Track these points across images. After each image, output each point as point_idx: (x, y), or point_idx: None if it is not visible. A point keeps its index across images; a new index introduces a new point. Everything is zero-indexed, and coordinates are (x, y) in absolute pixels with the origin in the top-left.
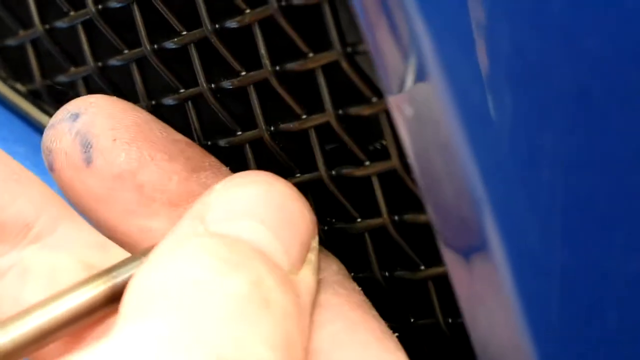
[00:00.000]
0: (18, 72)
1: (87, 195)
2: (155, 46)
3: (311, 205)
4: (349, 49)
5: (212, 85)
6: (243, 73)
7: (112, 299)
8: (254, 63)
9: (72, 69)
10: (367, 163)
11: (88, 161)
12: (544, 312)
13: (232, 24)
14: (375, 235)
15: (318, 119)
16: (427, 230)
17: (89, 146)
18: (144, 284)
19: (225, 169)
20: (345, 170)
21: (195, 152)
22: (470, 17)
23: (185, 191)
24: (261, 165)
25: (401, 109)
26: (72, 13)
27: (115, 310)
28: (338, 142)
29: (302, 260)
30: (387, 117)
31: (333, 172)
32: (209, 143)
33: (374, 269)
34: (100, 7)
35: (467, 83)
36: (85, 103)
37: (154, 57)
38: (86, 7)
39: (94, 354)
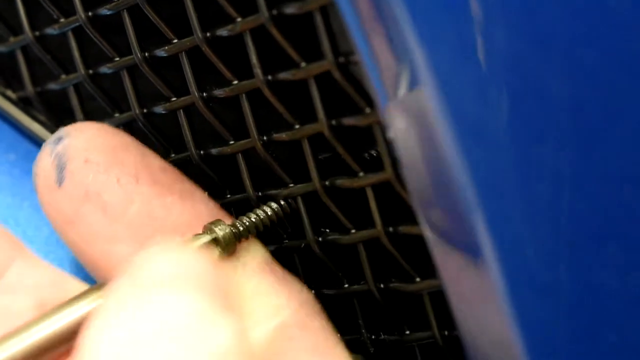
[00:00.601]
0: (8, 79)
1: (59, 216)
2: (146, 54)
3: (305, 215)
4: (342, 59)
5: (204, 94)
6: (235, 82)
7: (65, 338)
8: (246, 72)
9: (63, 76)
10: (361, 174)
11: (60, 182)
12: (540, 329)
13: (223, 32)
14: (369, 247)
15: (311, 129)
16: (422, 241)
17: (63, 167)
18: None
19: (199, 195)
20: (339, 182)
21: (168, 177)
22: (464, 27)
23: (147, 215)
24: (254, 175)
25: (393, 121)
26: (62, 20)
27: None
28: (332, 150)
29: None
30: (380, 128)
31: (327, 183)
32: (201, 152)
33: (368, 280)
34: (90, 14)
35: (461, 94)
36: (72, 128)
37: (144, 65)
38: (76, 14)
39: None
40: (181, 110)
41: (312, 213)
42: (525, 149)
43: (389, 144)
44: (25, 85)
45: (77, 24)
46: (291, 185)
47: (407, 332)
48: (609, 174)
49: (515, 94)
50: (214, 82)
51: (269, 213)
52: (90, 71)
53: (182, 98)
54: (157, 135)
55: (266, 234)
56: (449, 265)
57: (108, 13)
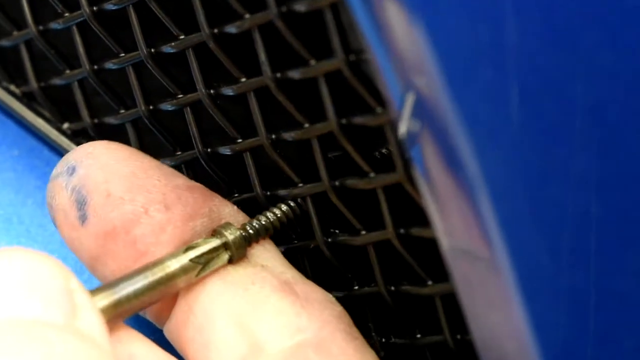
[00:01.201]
0: (12, 74)
1: (85, 253)
2: (153, 50)
3: (314, 215)
4: (353, 57)
5: (211, 91)
6: (243, 79)
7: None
8: (254, 69)
9: (67, 72)
10: (372, 175)
11: (83, 219)
12: (556, 334)
13: (231, 29)
14: (380, 248)
15: (320, 129)
16: (433, 244)
17: (84, 203)
18: None
19: (228, 210)
20: (349, 182)
21: (196, 197)
22: (478, 26)
23: (179, 241)
24: (262, 174)
25: (406, 124)
26: (66, 14)
27: None
28: (342, 148)
29: (73, 306)
30: (392, 128)
31: (336, 183)
32: (208, 150)
33: (379, 283)
34: (95, 8)
35: (475, 98)
36: (83, 154)
37: (150, 61)
38: (81, 8)
39: None
40: (188, 108)
41: (321, 213)
42: (541, 152)
43: (400, 145)
44: (29, 80)
45: (82, 18)
46: (300, 185)
47: (419, 336)
48: (629, 178)
49: (531, 96)
50: (221, 79)
51: (279, 215)
52: (95, 66)
53: (189, 95)
54: (163, 133)
55: (275, 235)
56: (463, 270)
57: (113, 8)
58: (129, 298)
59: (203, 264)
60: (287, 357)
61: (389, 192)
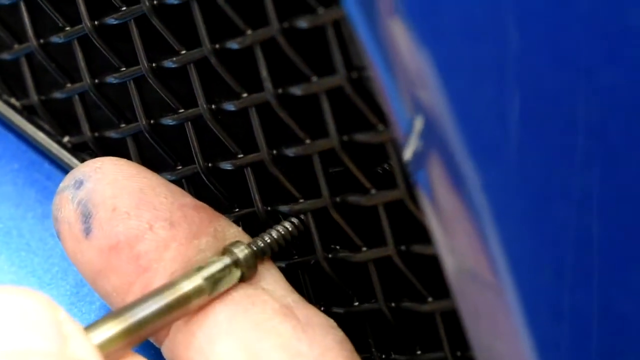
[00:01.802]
0: (13, 87)
1: (87, 267)
2: (154, 64)
3: (314, 231)
4: (355, 74)
5: (213, 106)
6: (244, 95)
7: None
8: (255, 84)
9: (68, 85)
10: (374, 191)
11: (87, 232)
12: (557, 354)
13: (232, 44)
14: (381, 265)
15: (322, 145)
16: (434, 261)
17: (89, 216)
18: None
19: (233, 231)
20: (351, 199)
21: (202, 216)
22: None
23: (183, 259)
24: (262, 189)
25: (412, 147)
26: (67, 28)
27: None
28: (343, 164)
29: (63, 336)
30: (394, 146)
31: (337, 199)
32: (210, 165)
33: (379, 299)
34: (96, 22)
35: (480, 119)
36: (91, 169)
37: (151, 76)
38: (82, 22)
39: None
40: (189, 122)
41: (322, 229)
42: (544, 172)
43: (402, 163)
44: (29, 94)
45: (83, 32)
46: (301, 200)
47: (419, 352)
48: (631, 198)
49: (534, 117)
50: (222, 94)
51: (284, 233)
52: (96, 80)
53: (190, 110)
54: (164, 147)
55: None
56: (466, 290)
57: (114, 22)
58: (141, 323)
59: (215, 284)
60: None
61: (390, 208)
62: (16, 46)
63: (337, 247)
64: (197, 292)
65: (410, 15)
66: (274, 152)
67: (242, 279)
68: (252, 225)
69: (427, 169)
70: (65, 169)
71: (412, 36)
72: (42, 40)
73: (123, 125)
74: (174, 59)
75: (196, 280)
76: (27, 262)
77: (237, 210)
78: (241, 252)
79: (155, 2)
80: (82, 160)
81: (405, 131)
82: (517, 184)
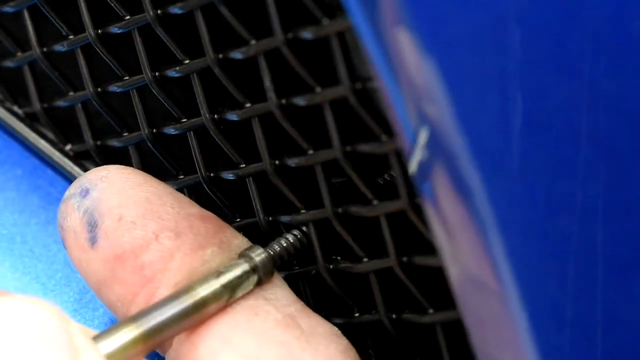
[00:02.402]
0: (15, 95)
1: (92, 276)
2: (157, 74)
3: (316, 242)
4: (359, 85)
5: (215, 116)
6: (247, 105)
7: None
8: (259, 94)
9: (71, 94)
10: (376, 202)
11: (93, 241)
12: None
13: (236, 54)
14: (382, 276)
15: (325, 155)
16: (436, 272)
17: (95, 225)
18: None
19: (238, 242)
20: (353, 210)
21: (208, 226)
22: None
23: (187, 269)
24: (264, 199)
25: (418, 159)
26: (71, 37)
27: None
28: (345, 174)
29: (74, 347)
30: (397, 157)
31: (339, 210)
32: (212, 175)
33: (380, 310)
34: (100, 31)
35: (486, 130)
36: (97, 177)
37: (155, 85)
38: (85, 31)
39: None
40: (191, 132)
41: (323, 239)
42: (548, 182)
43: (405, 174)
44: (32, 101)
45: (87, 41)
46: (303, 211)
47: None
48: (635, 207)
49: (538, 128)
50: (225, 104)
51: (292, 241)
52: (99, 89)
53: (193, 119)
54: (166, 156)
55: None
56: (470, 298)
57: (118, 31)
58: (158, 329)
59: (233, 289)
60: None
61: (391, 219)
62: (19, 54)
63: (338, 257)
64: (214, 296)
65: (416, 26)
66: (276, 162)
67: (259, 284)
68: (254, 235)
69: (432, 179)
70: (67, 177)
71: (418, 47)
72: (45, 49)
73: (125, 134)
74: (177, 68)
75: (214, 285)
76: (30, 269)
77: (239, 220)
78: (258, 257)
79: (159, 11)
80: (85, 169)
81: (411, 142)
82: (522, 193)
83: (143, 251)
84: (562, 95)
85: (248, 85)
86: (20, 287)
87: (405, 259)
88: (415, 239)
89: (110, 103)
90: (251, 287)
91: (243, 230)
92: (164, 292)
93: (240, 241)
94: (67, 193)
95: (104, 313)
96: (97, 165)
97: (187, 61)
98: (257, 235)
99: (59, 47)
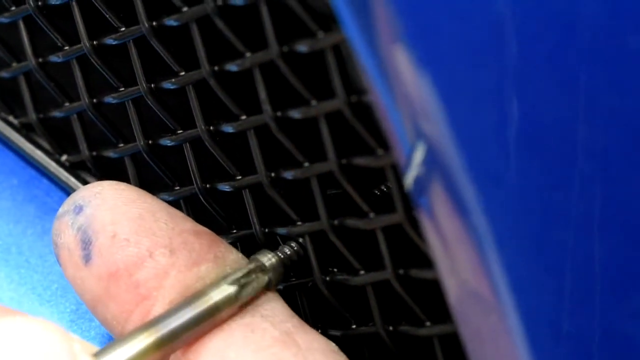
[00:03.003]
0: (11, 105)
1: (87, 294)
2: (153, 85)
3: (312, 254)
4: (354, 98)
5: (211, 128)
6: (243, 117)
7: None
8: (254, 107)
9: (67, 104)
10: (372, 215)
11: (87, 259)
12: None
13: (231, 67)
14: (379, 288)
15: (320, 168)
16: (433, 285)
17: (89, 243)
18: None
19: (233, 257)
20: (349, 222)
21: (202, 242)
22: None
23: (182, 286)
24: (261, 211)
25: (414, 174)
26: (66, 48)
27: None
28: (342, 186)
29: None
30: (392, 170)
31: (335, 222)
32: (208, 186)
33: (376, 323)
34: (95, 42)
35: (482, 144)
36: (90, 193)
37: (150, 96)
38: (81, 42)
39: None
40: (187, 143)
41: (320, 251)
42: (544, 197)
43: (401, 187)
44: (27, 112)
45: (82, 52)
46: (299, 223)
47: None
48: (632, 220)
49: (534, 141)
50: (221, 116)
51: (296, 248)
52: (95, 100)
53: (189, 131)
54: (162, 167)
55: None
56: (467, 312)
57: (114, 43)
58: (172, 336)
59: (242, 292)
60: None
61: (388, 231)
62: (14, 64)
63: (335, 269)
64: (227, 301)
65: (412, 42)
66: (272, 174)
67: (268, 287)
68: (250, 247)
69: (428, 193)
70: (63, 188)
71: (414, 63)
72: (40, 59)
73: (121, 145)
74: (173, 80)
75: (226, 290)
76: (26, 279)
77: (235, 231)
78: (269, 261)
79: (154, 23)
80: (80, 179)
81: (407, 157)
82: (519, 207)
83: (137, 269)
84: (558, 109)
85: (244, 97)
86: (17, 298)
87: (402, 271)
88: (412, 250)
89: (105, 114)
90: (262, 288)
91: (239, 241)
92: (159, 309)
93: (235, 256)
94: (60, 210)
95: (100, 324)
96: (93, 175)
97: (182, 73)
98: (253, 248)
99: (54, 58)
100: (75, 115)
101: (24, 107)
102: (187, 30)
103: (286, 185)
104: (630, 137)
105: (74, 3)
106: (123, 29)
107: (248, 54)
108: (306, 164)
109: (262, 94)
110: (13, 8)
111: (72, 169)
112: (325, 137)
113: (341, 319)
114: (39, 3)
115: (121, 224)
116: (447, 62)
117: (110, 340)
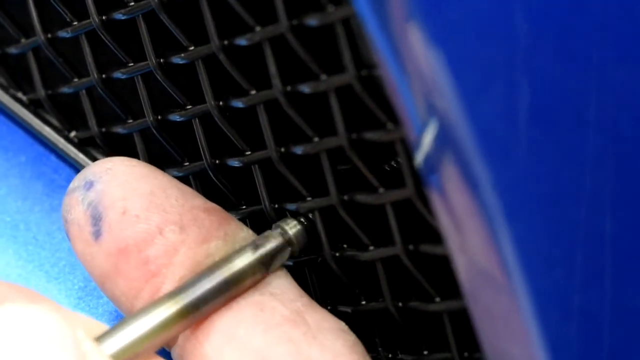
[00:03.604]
0: (19, 81)
1: (96, 270)
2: (162, 60)
3: (322, 230)
4: (364, 72)
5: (220, 103)
6: (253, 92)
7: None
8: (264, 81)
9: (75, 80)
10: (382, 190)
11: (97, 235)
12: (569, 353)
13: (241, 41)
14: (388, 263)
15: (330, 143)
16: (443, 261)
17: (99, 219)
18: None
19: (243, 235)
20: (359, 198)
21: (212, 219)
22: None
23: (192, 263)
24: (270, 187)
25: (425, 151)
26: (75, 23)
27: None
28: (351, 162)
29: (82, 353)
30: (403, 145)
31: (345, 198)
32: (217, 162)
33: (386, 299)
34: (104, 17)
35: (492, 119)
36: (101, 169)
37: (159, 71)
38: (90, 17)
39: None
40: (196, 119)
41: (329, 227)
42: (556, 172)
43: (411, 161)
44: (36, 88)
45: (91, 27)
46: (309, 199)
47: (426, 353)
48: None
49: (545, 116)
50: (230, 91)
51: (306, 223)
52: (104, 75)
53: (198, 106)
54: (171, 143)
55: None
56: (477, 289)
57: (123, 18)
58: (196, 304)
59: (270, 261)
60: None
61: (398, 206)
62: (23, 40)
63: (345, 245)
64: (251, 269)
65: (424, 18)
66: (282, 149)
67: (293, 256)
68: (261, 222)
69: (439, 171)
70: (71, 164)
71: (426, 39)
72: (49, 35)
73: (130, 120)
74: (182, 55)
75: (250, 257)
76: (34, 256)
77: (244, 207)
78: (293, 229)
79: None
80: (89, 156)
81: (418, 133)
82: (530, 183)
83: (147, 245)
84: (570, 84)
85: (253, 72)
86: (24, 274)
87: (411, 246)
88: (422, 226)
89: (114, 89)
90: (285, 260)
91: (249, 217)
92: (168, 286)
93: (245, 233)
94: (71, 185)
95: (108, 301)
96: (102, 151)
97: (192, 48)
98: (262, 223)
99: (63, 34)
100: (84, 91)
101: (32, 83)
102: (196, 5)
103: (296, 161)
104: None
105: None
106: (132, 3)
107: (258, 28)
108: (316, 139)
109: (272, 69)
110: None
111: (81, 145)
112: (335, 111)
113: (351, 295)
114: None
115: (132, 200)
116: (458, 37)
117: (119, 317)
